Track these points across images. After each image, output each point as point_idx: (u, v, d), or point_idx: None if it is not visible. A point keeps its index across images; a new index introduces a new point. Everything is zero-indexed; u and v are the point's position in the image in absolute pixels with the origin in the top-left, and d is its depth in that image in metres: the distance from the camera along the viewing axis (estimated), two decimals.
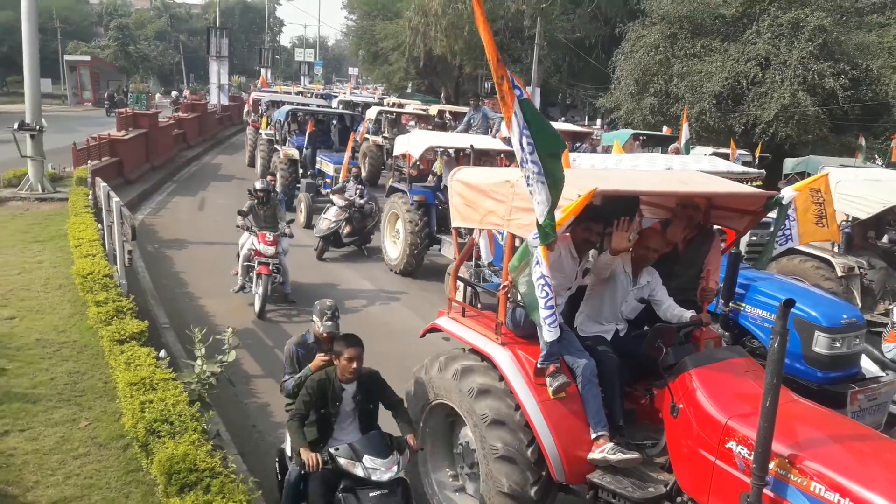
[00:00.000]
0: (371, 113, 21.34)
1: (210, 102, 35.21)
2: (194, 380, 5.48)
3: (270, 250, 9.24)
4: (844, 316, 6.34)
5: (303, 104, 21.15)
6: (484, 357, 4.50)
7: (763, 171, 10.44)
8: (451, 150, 12.25)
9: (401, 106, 25.38)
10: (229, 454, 5.15)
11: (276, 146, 17.84)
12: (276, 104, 21.13)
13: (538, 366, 4.17)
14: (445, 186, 11.39)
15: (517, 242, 4.32)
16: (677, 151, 14.48)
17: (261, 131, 20.49)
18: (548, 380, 4.13)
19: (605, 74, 27.25)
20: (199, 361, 5.53)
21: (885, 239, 10.01)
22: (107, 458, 5.22)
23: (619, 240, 4.21)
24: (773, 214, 5.11)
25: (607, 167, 7.33)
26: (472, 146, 10.32)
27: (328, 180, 15.40)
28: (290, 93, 31.13)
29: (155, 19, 79.97)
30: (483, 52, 27.75)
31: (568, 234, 4.42)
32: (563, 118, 35.97)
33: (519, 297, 4.38)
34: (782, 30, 20.37)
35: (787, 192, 4.55)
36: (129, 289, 8.47)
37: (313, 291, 10.02)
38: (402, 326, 9.06)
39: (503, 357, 4.36)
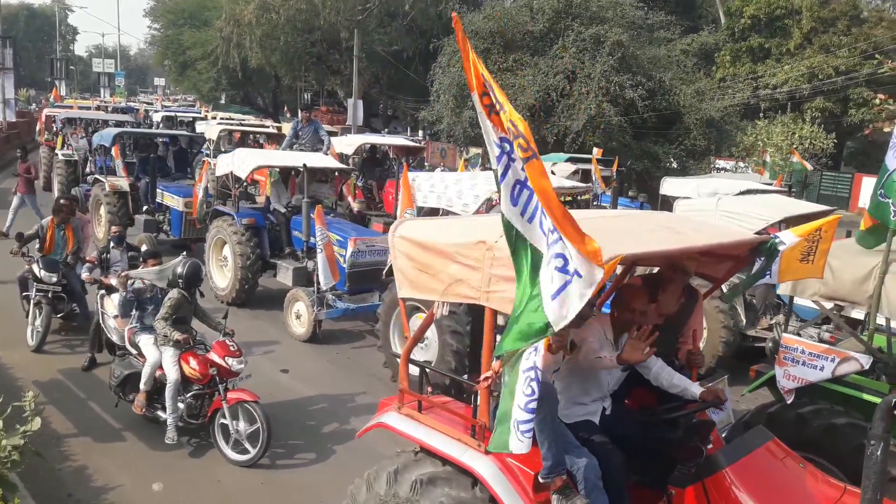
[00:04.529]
0: (212, 132, 18.73)
1: None
2: None
3: (242, 364, 6.52)
4: None
5: (104, 120, 19.18)
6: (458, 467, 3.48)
7: (590, 184, 10.96)
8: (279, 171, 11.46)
9: (241, 122, 23.38)
10: None
11: (98, 177, 14.61)
12: (73, 121, 19.12)
13: (540, 479, 3.31)
14: (275, 209, 10.88)
15: (501, 320, 3.45)
16: None
17: (57, 151, 18.38)
18: (554, 498, 3.28)
19: (425, 87, 27.65)
20: None
21: None
22: None
23: (633, 351, 3.47)
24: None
25: (462, 191, 7.00)
26: (304, 165, 9.88)
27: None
28: (88, 107, 28.35)
29: None
30: (301, 63, 26.73)
31: (607, 313, 3.61)
32: (385, 129, 36.07)
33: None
34: (585, 45, 21.73)
35: (788, 238, 3.90)
36: None
37: None
38: None
39: (489, 470, 3.34)
